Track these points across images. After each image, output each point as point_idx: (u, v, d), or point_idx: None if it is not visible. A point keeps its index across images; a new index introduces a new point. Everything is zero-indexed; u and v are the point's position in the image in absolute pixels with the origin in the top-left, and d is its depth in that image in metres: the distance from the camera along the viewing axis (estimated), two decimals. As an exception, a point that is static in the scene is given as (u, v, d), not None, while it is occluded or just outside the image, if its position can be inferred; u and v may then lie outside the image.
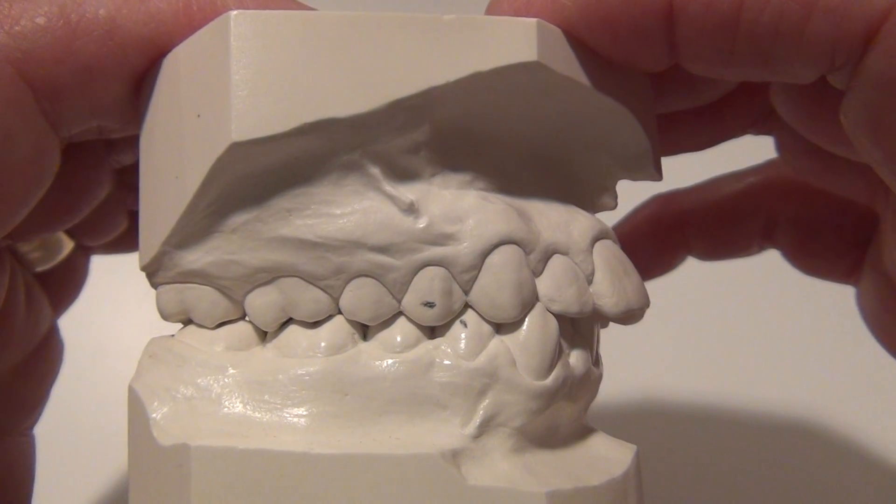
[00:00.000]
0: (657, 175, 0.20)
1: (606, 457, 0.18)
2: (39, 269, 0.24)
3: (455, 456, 0.16)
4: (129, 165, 0.23)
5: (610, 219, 0.20)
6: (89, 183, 0.22)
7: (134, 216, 0.25)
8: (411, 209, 0.16)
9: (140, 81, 0.17)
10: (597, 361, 0.19)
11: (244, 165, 0.15)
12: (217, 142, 0.15)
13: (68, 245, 0.25)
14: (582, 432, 0.19)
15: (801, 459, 0.35)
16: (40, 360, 0.23)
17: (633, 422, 0.35)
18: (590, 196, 0.19)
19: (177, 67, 0.16)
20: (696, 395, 0.36)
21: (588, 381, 0.18)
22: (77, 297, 0.26)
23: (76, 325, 0.27)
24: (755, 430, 0.36)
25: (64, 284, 0.25)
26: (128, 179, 0.23)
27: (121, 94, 0.17)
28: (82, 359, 0.25)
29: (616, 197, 0.20)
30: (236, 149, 0.15)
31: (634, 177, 0.19)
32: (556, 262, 0.17)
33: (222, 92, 0.15)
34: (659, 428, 0.36)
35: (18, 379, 0.23)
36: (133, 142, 0.19)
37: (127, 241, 0.26)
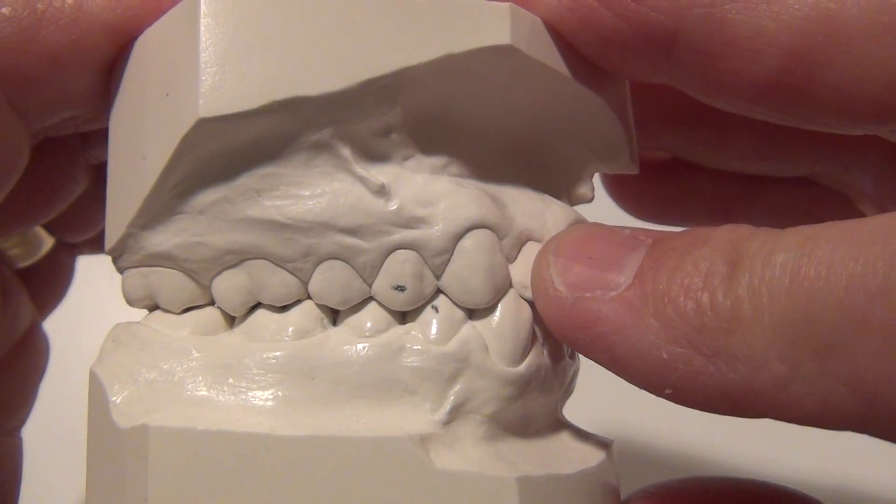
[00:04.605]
0: (633, 167, 0.19)
1: (581, 449, 0.18)
2: (20, 265, 0.24)
3: (423, 440, 0.15)
4: (107, 162, 0.23)
5: (590, 212, 0.19)
6: (64, 177, 0.22)
7: None
8: (382, 191, 0.16)
9: (110, 69, 0.17)
10: (573, 354, 0.19)
11: (212, 144, 0.15)
12: (184, 118, 0.15)
13: (48, 242, 0.25)
14: (557, 425, 0.18)
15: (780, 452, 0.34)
16: (21, 359, 0.23)
17: (611, 420, 0.35)
18: (565, 186, 0.19)
19: (145, 49, 0.16)
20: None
21: (563, 372, 0.18)
22: (63, 297, 0.26)
23: (69, 327, 0.27)
24: (737, 429, 0.35)
25: (48, 283, 0.25)
26: (105, 175, 0.23)
27: (91, 83, 0.17)
28: (74, 361, 0.25)
29: (593, 188, 0.19)
30: (203, 125, 0.15)
31: (610, 168, 0.19)
32: (531, 248, 0.17)
33: (191, 69, 0.15)
34: (637, 426, 0.36)
35: None
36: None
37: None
